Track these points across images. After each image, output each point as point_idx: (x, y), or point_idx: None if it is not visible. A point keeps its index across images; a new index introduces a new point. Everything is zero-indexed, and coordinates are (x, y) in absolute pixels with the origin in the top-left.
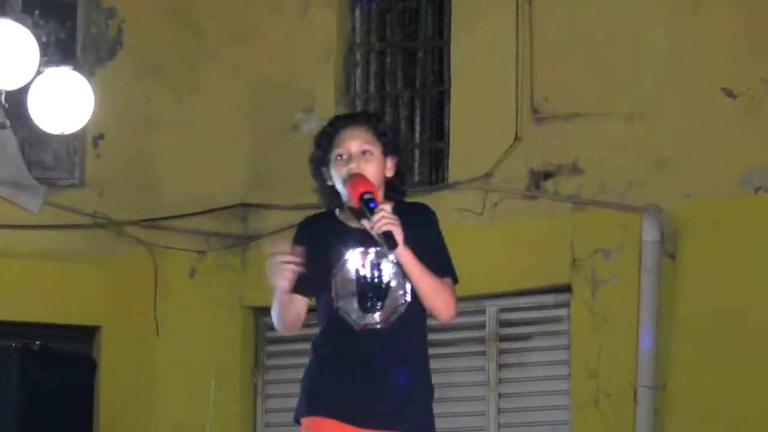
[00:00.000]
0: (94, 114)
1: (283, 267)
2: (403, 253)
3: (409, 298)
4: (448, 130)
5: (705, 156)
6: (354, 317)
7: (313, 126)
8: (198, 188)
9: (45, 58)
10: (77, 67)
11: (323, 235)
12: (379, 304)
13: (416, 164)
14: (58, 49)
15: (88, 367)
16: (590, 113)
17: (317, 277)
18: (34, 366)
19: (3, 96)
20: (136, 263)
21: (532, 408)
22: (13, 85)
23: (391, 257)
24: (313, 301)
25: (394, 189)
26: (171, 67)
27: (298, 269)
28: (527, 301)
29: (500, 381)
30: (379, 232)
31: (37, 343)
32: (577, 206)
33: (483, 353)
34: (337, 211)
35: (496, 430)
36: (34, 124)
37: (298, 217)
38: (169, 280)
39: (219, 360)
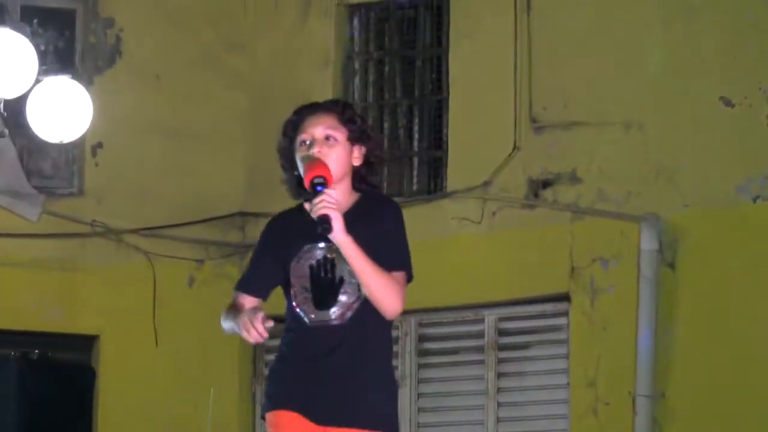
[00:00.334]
0: (93, 123)
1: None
2: (344, 241)
3: (364, 294)
4: (447, 139)
5: (703, 165)
6: (309, 313)
7: None
8: (196, 197)
9: (44, 67)
10: (76, 76)
11: (286, 230)
12: (333, 300)
13: (415, 173)
14: (57, 57)
15: (87, 376)
16: (589, 122)
17: (270, 279)
18: (32, 375)
19: (2, 105)
20: (134, 272)
21: (531, 417)
22: (11, 94)
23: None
24: None
25: (362, 179)
26: (169, 75)
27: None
28: (526, 309)
29: (499, 390)
30: (316, 215)
31: (36, 352)
32: (576, 215)
33: (482, 362)
34: (306, 204)
35: None
36: (32, 132)
37: None
38: (168, 288)
39: (218, 369)
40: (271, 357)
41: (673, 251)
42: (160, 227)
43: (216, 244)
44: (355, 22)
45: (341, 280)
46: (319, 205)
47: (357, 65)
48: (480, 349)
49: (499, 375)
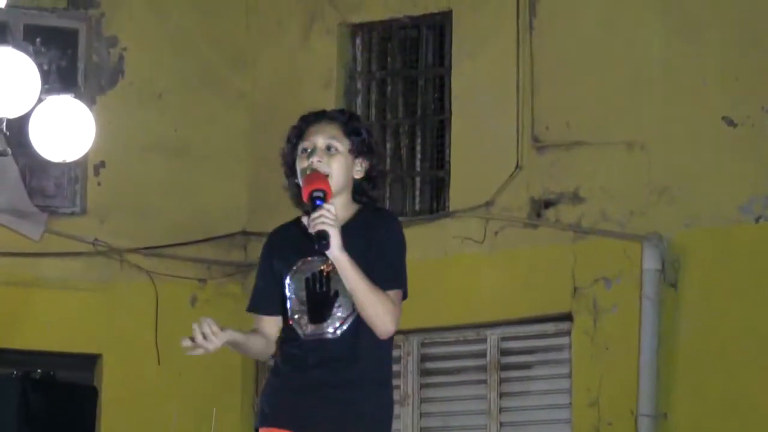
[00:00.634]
0: (96, 142)
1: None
2: (339, 258)
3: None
4: (449, 159)
5: (706, 185)
6: (303, 326)
7: None
8: (198, 216)
9: (46, 86)
10: (78, 95)
11: (283, 244)
12: (328, 314)
13: (417, 192)
14: (60, 77)
15: (90, 395)
16: (591, 142)
17: (279, 292)
18: (35, 394)
19: (4, 124)
20: (137, 291)
21: None
22: (14, 113)
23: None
24: None
25: (363, 192)
26: (172, 94)
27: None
28: (528, 329)
29: (501, 410)
30: (313, 231)
31: (38, 371)
32: (578, 235)
33: (484, 382)
34: (303, 217)
35: None
36: (35, 151)
37: None
38: (170, 308)
39: (220, 388)
40: None
41: (676, 271)
42: (162, 246)
43: (218, 264)
44: (358, 41)
45: (336, 294)
46: (318, 221)
47: (359, 85)
48: (482, 369)
49: (502, 395)
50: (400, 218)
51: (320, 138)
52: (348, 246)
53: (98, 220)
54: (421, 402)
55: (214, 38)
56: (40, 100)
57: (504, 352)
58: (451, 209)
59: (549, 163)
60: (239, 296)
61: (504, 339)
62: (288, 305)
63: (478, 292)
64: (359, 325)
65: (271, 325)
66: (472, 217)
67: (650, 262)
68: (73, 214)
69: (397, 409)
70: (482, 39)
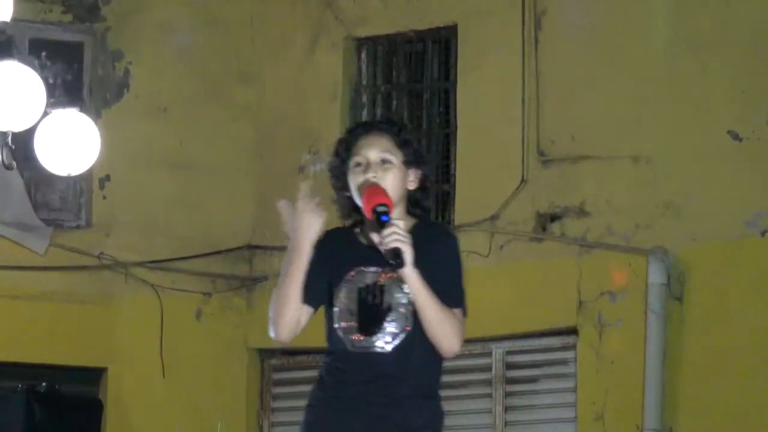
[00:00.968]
0: (101, 155)
1: (309, 218)
2: (410, 275)
3: (412, 325)
4: (454, 172)
5: (711, 199)
6: (351, 339)
7: (320, 168)
8: (204, 230)
9: (52, 100)
10: (84, 109)
11: (335, 250)
12: (380, 328)
13: None
14: (65, 90)
15: (95, 409)
16: (596, 156)
17: (323, 291)
18: (40, 408)
19: (10, 137)
20: (142, 304)
21: None
22: (19, 127)
23: (401, 280)
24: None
25: (416, 204)
26: (177, 108)
27: (319, 225)
28: (534, 343)
29: (507, 424)
30: (387, 248)
31: (44, 384)
32: (584, 248)
33: (489, 395)
34: (356, 228)
35: None
36: (40, 165)
37: None
38: (175, 321)
39: (225, 402)
40: (279, 390)
41: (681, 285)
42: (167, 260)
43: (223, 277)
44: (363, 55)
45: (389, 308)
46: (391, 238)
47: (365, 98)
48: (488, 383)
49: (507, 408)
50: None
51: (373, 152)
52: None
53: (103, 234)
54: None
55: (220, 52)
56: (45, 114)
57: (509, 366)
58: (456, 223)
59: (554, 177)
60: (244, 310)
61: (509, 353)
62: (335, 313)
63: (483, 305)
64: (412, 342)
65: (303, 312)
66: (477, 230)
67: (656, 276)
68: (78, 227)
69: None
70: (487, 53)
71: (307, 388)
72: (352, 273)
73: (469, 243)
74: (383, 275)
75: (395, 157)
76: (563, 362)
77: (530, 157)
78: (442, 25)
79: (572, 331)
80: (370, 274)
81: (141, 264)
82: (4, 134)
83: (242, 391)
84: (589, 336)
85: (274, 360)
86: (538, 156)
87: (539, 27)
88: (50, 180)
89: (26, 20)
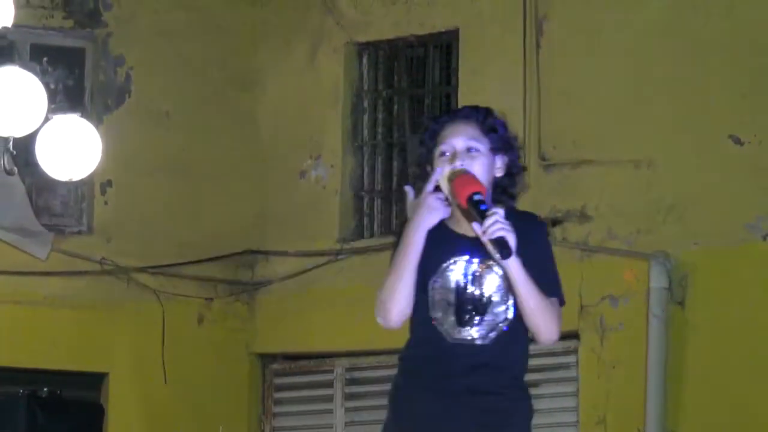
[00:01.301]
0: (102, 161)
1: (433, 206)
2: (513, 264)
3: (511, 315)
4: None
5: (712, 203)
6: (448, 329)
7: (321, 173)
8: (206, 235)
9: (53, 105)
10: (85, 114)
11: (431, 241)
12: (478, 318)
13: None
14: (66, 96)
15: (96, 414)
16: (598, 160)
17: (417, 281)
18: (42, 413)
19: (11, 143)
20: (144, 310)
21: None
22: (21, 132)
23: (496, 269)
24: None
25: (504, 191)
26: (179, 113)
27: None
28: (535, 347)
29: None
30: (492, 237)
31: (45, 389)
32: (585, 253)
33: None
34: (475, 225)
35: None
36: (41, 170)
37: (306, 263)
38: (177, 326)
39: (227, 407)
40: (280, 395)
41: (683, 289)
42: (169, 265)
43: (225, 282)
44: (364, 60)
45: (489, 299)
46: (494, 227)
47: (366, 103)
48: None
49: None
50: None
51: (459, 140)
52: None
53: (105, 239)
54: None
55: (221, 57)
56: (46, 119)
57: None
58: None
59: (556, 181)
60: (246, 315)
61: None
62: (430, 304)
63: None
64: (511, 332)
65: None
66: None
67: (657, 280)
68: (79, 233)
69: None
70: (489, 58)
71: (308, 392)
72: (448, 263)
73: None
74: (480, 265)
75: (482, 145)
76: (565, 366)
77: (532, 162)
78: (443, 30)
79: (574, 336)
80: (466, 264)
81: (142, 269)
82: (6, 140)
83: (244, 396)
84: (591, 340)
85: (275, 365)
86: (540, 160)
87: (540, 32)
88: (52, 185)
89: (28, 26)
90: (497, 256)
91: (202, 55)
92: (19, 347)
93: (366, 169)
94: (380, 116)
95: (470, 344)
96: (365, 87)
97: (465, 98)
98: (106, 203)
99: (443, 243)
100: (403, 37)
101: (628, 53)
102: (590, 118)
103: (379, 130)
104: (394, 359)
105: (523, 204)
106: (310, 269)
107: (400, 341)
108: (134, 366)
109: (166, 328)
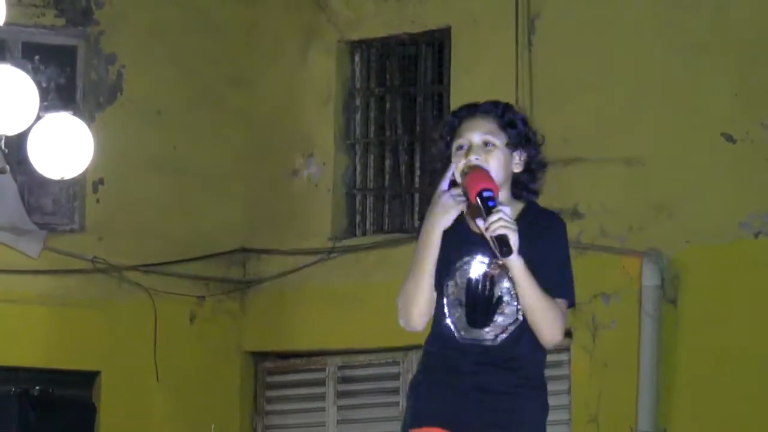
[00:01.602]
0: (94, 159)
1: (447, 205)
2: (515, 262)
3: (522, 316)
4: None
5: (705, 201)
6: (460, 329)
7: (313, 171)
8: (197, 233)
9: (45, 104)
10: (77, 113)
11: (449, 237)
12: (489, 319)
13: (416, 209)
14: (58, 94)
15: (88, 412)
16: (590, 158)
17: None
18: (34, 411)
19: (3, 141)
20: (135, 308)
21: None
22: (12, 131)
23: (508, 270)
24: None
25: (523, 187)
26: (171, 112)
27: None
28: None
29: None
30: (493, 234)
31: (37, 388)
32: (577, 251)
33: None
34: (478, 221)
35: None
36: (33, 169)
37: (299, 262)
38: (169, 325)
39: (219, 405)
40: (273, 393)
41: (675, 287)
42: (161, 264)
43: (217, 281)
44: (357, 58)
45: (499, 300)
46: (497, 224)
47: (358, 102)
48: None
49: None
50: (399, 235)
51: (476, 134)
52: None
53: (97, 238)
54: (413, 410)
55: (213, 56)
56: (38, 118)
57: None
58: None
59: (548, 179)
60: (238, 313)
61: None
62: (445, 301)
63: None
64: (521, 333)
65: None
66: None
67: (649, 278)
68: (71, 231)
69: (396, 426)
70: (481, 56)
71: (300, 390)
72: (462, 261)
73: None
74: (493, 265)
75: (498, 140)
76: (557, 364)
77: None
78: (435, 28)
79: (566, 334)
80: (480, 263)
81: (134, 267)
82: None
83: (236, 394)
84: (583, 338)
85: (267, 363)
86: None
87: (532, 30)
88: (44, 184)
89: (19, 24)
90: (497, 253)
91: (194, 54)
92: (11, 346)
93: (358, 168)
94: (372, 114)
95: (479, 344)
96: (357, 85)
97: (457, 96)
98: (98, 201)
99: (459, 241)
100: (395, 35)
101: (620, 51)
102: (582, 117)
103: (372, 128)
104: (387, 357)
105: None
106: (302, 267)
107: (393, 340)
108: (126, 364)
109: (158, 327)
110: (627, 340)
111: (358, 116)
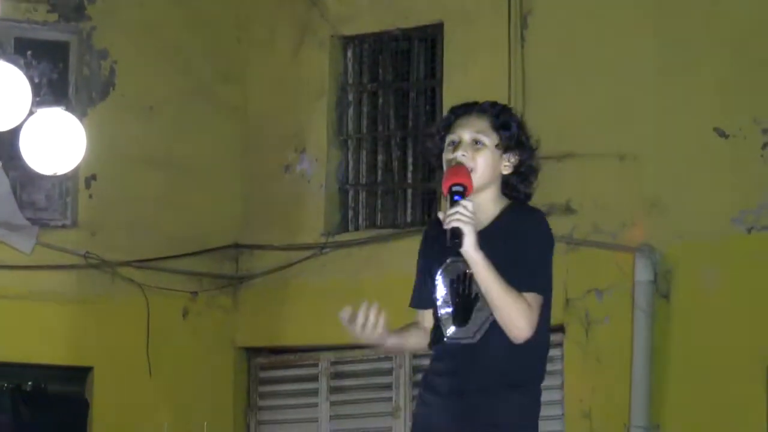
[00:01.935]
0: (87, 154)
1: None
2: (473, 256)
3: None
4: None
5: (697, 196)
6: (446, 329)
7: (306, 166)
8: (190, 229)
9: (37, 99)
10: (69, 108)
11: (435, 241)
12: (467, 317)
13: (409, 205)
14: (51, 89)
15: (81, 408)
16: (582, 153)
17: (431, 285)
18: (26, 407)
19: None
20: (128, 304)
21: None
22: (5, 126)
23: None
24: None
25: (512, 188)
26: (163, 107)
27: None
28: None
29: None
30: (447, 226)
31: (30, 384)
32: (570, 246)
33: None
34: (440, 213)
35: None
36: (26, 164)
37: (291, 257)
38: (162, 320)
39: (212, 400)
40: (265, 389)
41: (668, 282)
42: (154, 259)
43: (210, 276)
44: (349, 53)
45: (476, 297)
46: (453, 217)
47: (351, 97)
48: None
49: None
50: (392, 230)
51: (467, 131)
52: (489, 246)
53: (89, 233)
54: (413, 414)
55: (206, 51)
56: (31, 113)
57: None
58: None
59: (540, 175)
60: (230, 308)
61: None
62: (437, 303)
63: None
64: (495, 330)
65: (429, 317)
66: None
67: (642, 273)
68: (64, 227)
69: (389, 421)
70: (473, 51)
71: (293, 386)
72: (449, 261)
73: None
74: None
75: (489, 139)
76: (550, 360)
77: None
78: (428, 24)
79: (559, 329)
80: (462, 263)
81: (127, 263)
82: None
83: (229, 390)
84: (576, 333)
85: (260, 358)
86: None
87: (525, 25)
88: (36, 179)
89: (12, 19)
90: (449, 244)
91: (187, 49)
92: (3, 341)
93: (351, 163)
94: (365, 110)
95: (461, 343)
96: (350, 80)
97: (450, 92)
98: (90, 197)
99: (443, 245)
100: (387, 30)
101: (613, 47)
102: (575, 112)
103: (364, 123)
104: (379, 353)
105: None
106: (295, 263)
107: None
108: (119, 360)
109: (150, 322)
110: (620, 335)
111: (350, 111)
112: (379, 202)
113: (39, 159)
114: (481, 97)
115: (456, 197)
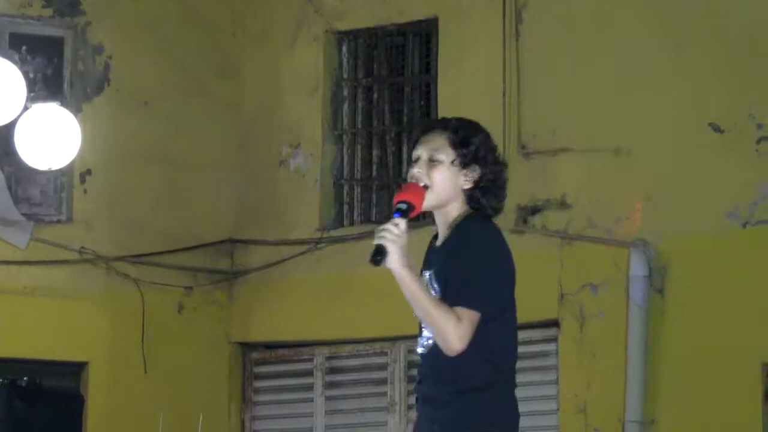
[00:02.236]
0: (82, 150)
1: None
2: (399, 273)
3: None
4: None
5: (692, 191)
6: (421, 339)
7: (300, 161)
8: (185, 224)
9: (32, 94)
10: (64, 103)
11: (429, 247)
12: (425, 328)
13: None
14: (45, 85)
15: (76, 403)
16: (577, 148)
17: None
18: (21, 402)
19: None
20: (123, 299)
21: None
22: None
23: (432, 280)
24: None
25: (476, 201)
26: (158, 102)
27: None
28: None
29: None
30: (374, 242)
31: (25, 379)
32: (565, 241)
33: None
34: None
35: None
36: (21, 159)
37: (286, 252)
38: (157, 315)
39: (207, 395)
40: (260, 384)
41: (663, 277)
42: (149, 254)
43: (205, 271)
44: (344, 49)
45: None
46: (379, 233)
47: (346, 92)
48: None
49: None
50: None
51: (425, 149)
52: (442, 261)
53: (84, 228)
54: (408, 408)
55: (201, 46)
56: (25, 108)
57: None
58: None
59: (535, 169)
60: (225, 304)
61: None
62: None
63: None
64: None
65: None
66: None
67: (637, 268)
68: (59, 222)
69: (384, 416)
70: (468, 46)
71: (288, 381)
72: (424, 275)
73: None
74: (432, 277)
75: (446, 156)
76: (545, 354)
77: (511, 150)
78: (422, 19)
79: (554, 324)
80: (429, 276)
81: (122, 258)
82: None
83: (224, 385)
84: (571, 328)
85: (255, 353)
86: (519, 149)
87: (520, 20)
88: (31, 174)
89: (6, 14)
90: (369, 260)
91: (182, 44)
92: None
93: (345, 158)
94: (360, 105)
95: (420, 353)
96: (345, 75)
97: (444, 86)
98: (85, 192)
99: (427, 255)
100: (382, 25)
101: (608, 42)
102: (570, 107)
103: (359, 118)
104: (375, 347)
105: None
106: (289, 258)
107: (380, 330)
108: (114, 355)
109: (145, 317)
110: (615, 330)
111: (345, 107)
112: (374, 197)
113: (34, 154)
114: (476, 92)
115: (395, 214)
